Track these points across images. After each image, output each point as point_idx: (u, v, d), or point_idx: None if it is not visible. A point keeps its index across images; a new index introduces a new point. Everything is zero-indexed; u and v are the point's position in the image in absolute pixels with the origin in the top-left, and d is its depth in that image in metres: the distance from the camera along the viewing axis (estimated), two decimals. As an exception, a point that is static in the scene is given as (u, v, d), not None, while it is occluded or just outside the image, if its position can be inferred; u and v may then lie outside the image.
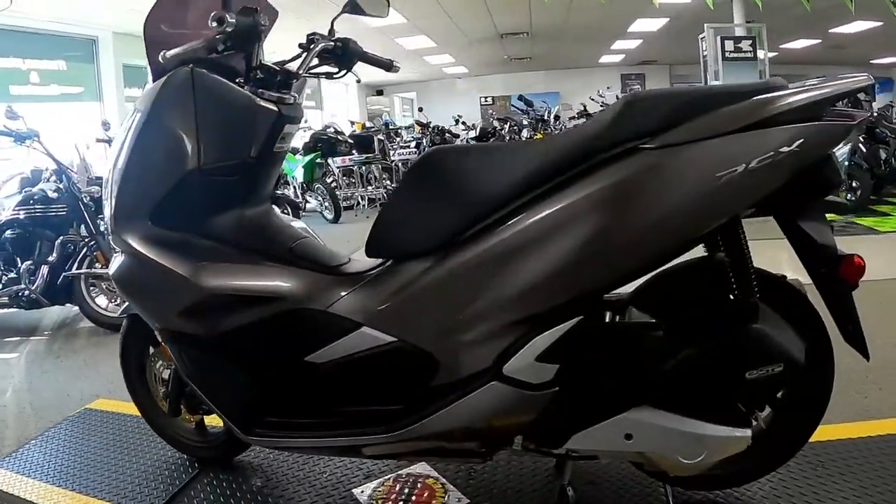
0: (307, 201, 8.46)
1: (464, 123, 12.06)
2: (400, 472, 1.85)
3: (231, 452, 1.98)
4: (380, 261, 1.50)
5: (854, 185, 6.32)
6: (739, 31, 8.99)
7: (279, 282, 1.49)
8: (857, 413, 2.05)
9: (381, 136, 9.57)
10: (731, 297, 1.32)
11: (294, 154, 8.43)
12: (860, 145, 6.54)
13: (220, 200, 1.58)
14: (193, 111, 1.44)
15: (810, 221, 1.26)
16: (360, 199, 8.53)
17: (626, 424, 1.28)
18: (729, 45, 8.84)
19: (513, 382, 1.26)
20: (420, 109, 12.77)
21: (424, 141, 10.03)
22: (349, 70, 1.79)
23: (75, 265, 3.58)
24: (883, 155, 6.85)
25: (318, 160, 8.40)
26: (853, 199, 6.31)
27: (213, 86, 1.46)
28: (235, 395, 1.57)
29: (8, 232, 3.66)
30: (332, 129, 10.02)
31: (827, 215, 1.31)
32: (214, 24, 1.36)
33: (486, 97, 19.18)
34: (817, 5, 8.56)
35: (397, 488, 1.78)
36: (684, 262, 1.41)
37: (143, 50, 1.59)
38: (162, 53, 1.44)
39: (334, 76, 1.82)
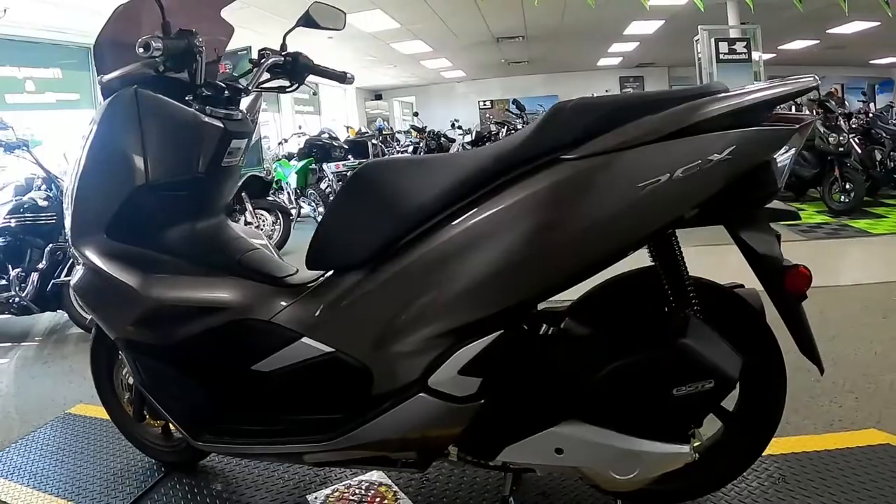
0: (301, 207, 8.47)
1: (460, 128, 12.10)
2: (354, 479, 1.88)
3: (195, 457, 2.02)
4: (320, 273, 1.54)
5: (848, 187, 6.30)
6: (734, 33, 9.01)
7: (224, 293, 1.52)
8: (828, 423, 2.03)
9: (375, 142, 9.57)
10: (666, 309, 1.32)
11: (289, 160, 8.46)
12: (855, 147, 6.55)
13: (172, 215, 1.62)
14: (139, 130, 1.48)
15: (751, 231, 1.23)
16: None
17: (557, 439, 1.27)
18: (723, 46, 8.87)
19: (438, 395, 1.27)
20: (415, 114, 12.79)
21: (421, 145, 10.06)
22: (301, 83, 1.84)
23: (64, 272, 3.64)
24: (879, 156, 6.84)
25: (312, 166, 8.42)
26: (847, 200, 6.30)
27: (157, 105, 1.50)
28: (185, 403, 1.62)
29: (-1, 240, 3.72)
30: (326, 135, 10.02)
31: (799, 219, 1.37)
32: (141, 49, 1.39)
33: (485, 101, 19.22)
34: (813, 6, 8.57)
35: (350, 495, 1.81)
36: (627, 272, 1.41)
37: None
38: (99, 78, 1.50)
39: (286, 90, 1.86)
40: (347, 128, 12.12)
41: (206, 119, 1.51)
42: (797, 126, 1.15)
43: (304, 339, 1.43)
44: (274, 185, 8.29)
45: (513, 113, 8.03)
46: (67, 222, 1.64)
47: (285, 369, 1.46)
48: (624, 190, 1.14)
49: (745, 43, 8.77)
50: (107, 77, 1.49)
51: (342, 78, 1.97)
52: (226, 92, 1.59)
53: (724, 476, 1.50)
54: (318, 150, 8.72)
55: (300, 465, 1.96)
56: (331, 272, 1.50)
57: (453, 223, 1.25)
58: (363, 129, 11.64)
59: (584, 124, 1.17)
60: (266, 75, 1.74)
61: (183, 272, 1.55)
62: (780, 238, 1.30)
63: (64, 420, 2.53)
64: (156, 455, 2.06)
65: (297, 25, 1.76)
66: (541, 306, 1.39)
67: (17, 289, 3.63)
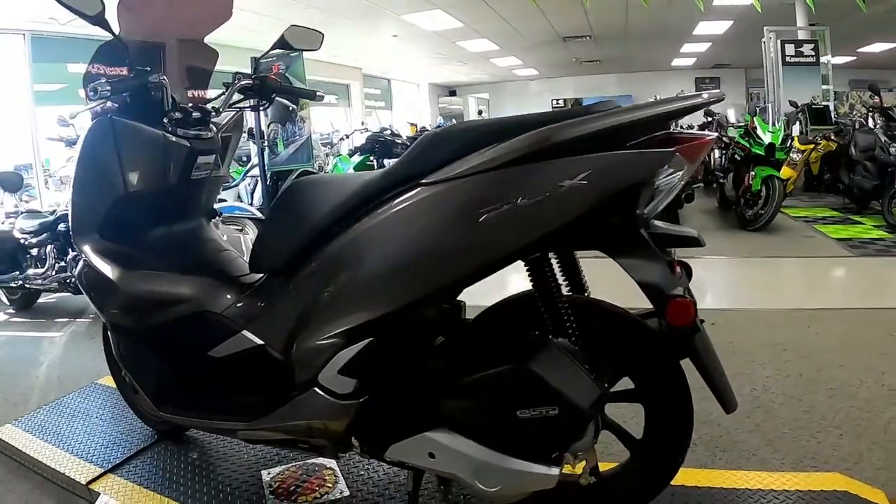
0: None
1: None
2: (305, 461, 2.03)
3: (181, 428, 2.23)
4: (262, 275, 1.69)
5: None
6: (802, 35, 8.49)
7: (187, 289, 1.72)
8: (798, 460, 1.86)
9: None
10: (537, 332, 1.33)
11: (350, 156, 8.67)
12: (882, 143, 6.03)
13: (150, 219, 1.83)
14: (116, 150, 1.69)
15: (628, 257, 1.20)
16: None
17: (429, 443, 1.33)
18: (790, 49, 8.37)
19: (325, 391, 1.39)
20: (479, 113, 12.82)
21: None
22: (270, 102, 2.01)
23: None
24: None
25: (370, 162, 8.60)
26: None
27: (129, 130, 1.70)
28: (153, 378, 1.83)
29: (61, 225, 4.08)
30: (388, 132, 10.18)
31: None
32: (91, 93, 1.60)
33: (558, 99, 18.94)
34: (883, 8, 7.97)
35: (297, 474, 1.96)
36: (520, 293, 1.43)
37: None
38: (59, 117, 1.72)
39: (260, 108, 2.06)
40: (411, 124, 12.26)
41: (174, 139, 1.71)
42: (671, 150, 1.10)
43: (244, 332, 1.60)
44: None
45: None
46: (70, 222, 1.88)
47: (231, 356, 1.65)
48: (464, 216, 1.16)
49: (812, 45, 8.25)
50: (70, 117, 1.69)
51: (311, 96, 2.12)
52: (194, 114, 1.78)
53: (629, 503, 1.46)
54: (379, 147, 8.90)
55: (263, 446, 2.13)
56: (265, 275, 1.65)
57: (338, 239, 1.36)
58: (426, 126, 11.73)
59: (450, 150, 1.20)
60: (239, 95, 1.93)
61: (155, 268, 1.77)
62: (677, 264, 1.27)
63: (91, 388, 2.82)
64: (150, 423, 2.29)
65: (272, 48, 1.95)
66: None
67: (72, 269, 3.97)
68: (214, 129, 1.84)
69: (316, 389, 1.39)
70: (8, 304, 4.66)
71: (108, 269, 1.74)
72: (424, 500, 1.73)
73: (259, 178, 6.28)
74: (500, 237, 1.16)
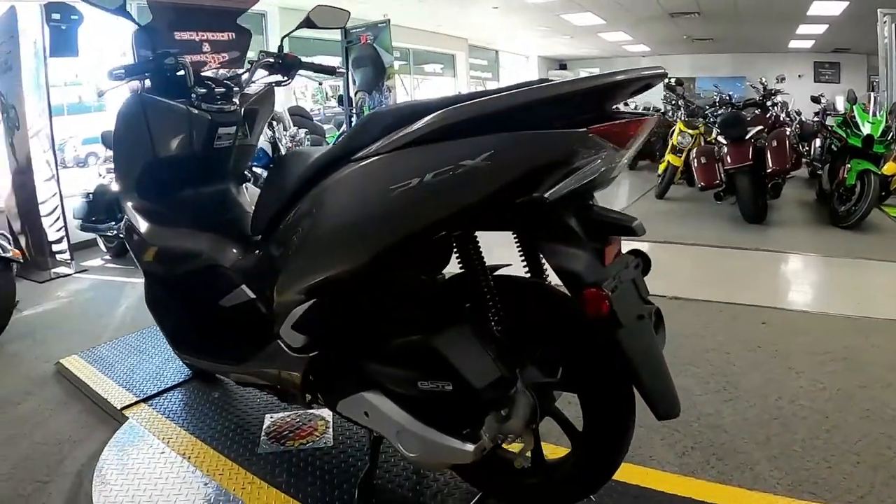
0: None
1: (625, 104, 11.46)
2: (306, 411, 2.10)
3: None
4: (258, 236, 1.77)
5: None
6: (923, 17, 7.37)
7: (203, 244, 1.85)
8: (796, 484, 1.61)
9: None
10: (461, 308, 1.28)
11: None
12: None
13: (179, 181, 1.97)
14: (145, 121, 1.85)
15: (546, 241, 1.13)
16: None
17: (364, 403, 1.36)
18: (904, 32, 7.31)
19: (284, 343, 1.45)
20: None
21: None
22: (292, 78, 2.12)
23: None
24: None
25: None
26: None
27: (155, 104, 1.85)
28: (173, 322, 2.01)
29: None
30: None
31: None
32: (107, 75, 1.75)
33: (670, 78, 17.81)
34: None
35: (294, 421, 2.06)
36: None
37: None
38: (98, 90, 1.93)
39: (282, 83, 2.15)
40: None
41: (196, 112, 1.84)
42: (582, 130, 1.01)
43: (243, 286, 1.72)
44: None
45: (675, 93, 7.49)
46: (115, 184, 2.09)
47: (234, 307, 1.77)
48: (378, 190, 1.16)
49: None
50: (112, 87, 1.86)
51: (332, 72, 2.24)
52: (217, 90, 1.91)
53: (568, 493, 1.38)
54: None
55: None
56: (259, 236, 1.73)
57: (295, 208, 1.40)
58: None
59: (380, 129, 1.20)
60: (264, 72, 2.06)
61: (179, 225, 1.92)
62: (634, 253, 1.20)
63: (149, 330, 3.04)
64: (188, 363, 2.41)
65: (297, 28, 2.03)
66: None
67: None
68: (237, 102, 1.94)
69: (278, 342, 1.47)
70: (105, 251, 5.11)
71: (141, 224, 1.92)
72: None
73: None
74: (410, 212, 1.14)
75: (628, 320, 1.08)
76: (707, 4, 10.46)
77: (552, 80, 1.08)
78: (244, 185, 2.23)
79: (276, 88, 2.15)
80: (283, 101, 7.66)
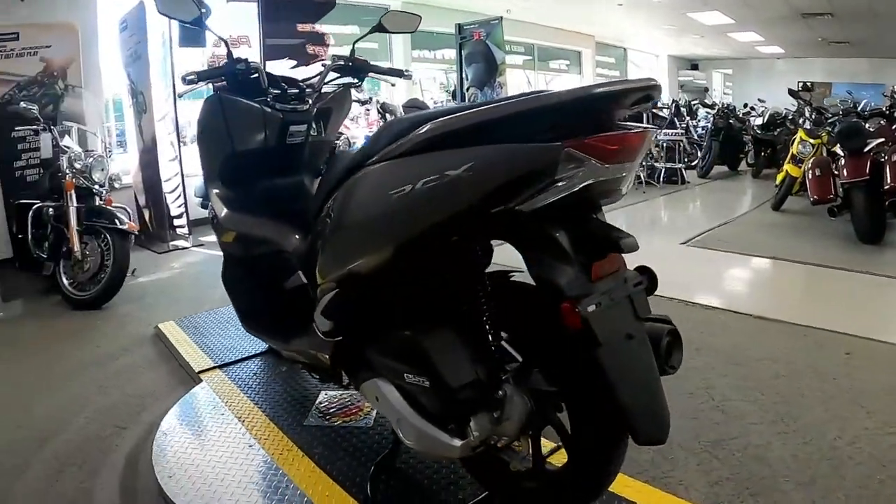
0: None
1: (752, 108, 10.73)
2: (357, 392, 2.17)
3: None
4: None
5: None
6: None
7: (272, 231, 1.98)
8: None
9: (649, 113, 8.90)
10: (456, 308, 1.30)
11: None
12: None
13: (255, 173, 2.14)
14: (224, 118, 2.02)
15: (530, 251, 1.13)
16: None
17: (376, 388, 1.42)
18: None
19: (317, 327, 1.55)
20: (705, 90, 11.63)
21: (706, 123, 9.14)
22: (362, 80, 2.26)
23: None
24: None
25: None
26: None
27: (232, 103, 2.02)
28: (243, 299, 2.18)
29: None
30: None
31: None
32: (181, 80, 1.95)
33: (804, 82, 16.40)
34: None
35: (343, 400, 2.19)
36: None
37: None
38: (180, 91, 2.07)
39: (354, 86, 2.29)
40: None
41: (269, 110, 2.00)
42: (556, 144, 1.01)
43: (299, 272, 1.84)
44: None
45: (802, 99, 6.93)
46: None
47: (292, 289, 1.94)
48: (379, 195, 1.22)
49: None
50: (188, 90, 2.07)
51: (400, 74, 2.30)
52: (290, 91, 2.07)
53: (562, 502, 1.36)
54: None
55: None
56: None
57: (329, 204, 1.47)
58: (668, 99, 10.81)
59: (385, 139, 1.25)
60: (335, 74, 2.19)
61: (253, 212, 2.07)
62: (640, 270, 1.17)
63: None
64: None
65: (369, 33, 2.17)
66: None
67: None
68: (310, 102, 2.08)
69: (314, 324, 1.57)
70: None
71: (221, 209, 2.11)
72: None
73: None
74: (406, 217, 1.18)
75: (611, 339, 1.05)
76: (840, 5, 9.49)
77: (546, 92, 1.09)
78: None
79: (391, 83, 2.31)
80: (402, 93, 7.95)
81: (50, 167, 4.02)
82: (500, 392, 1.21)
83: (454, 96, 8.37)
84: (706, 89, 12.53)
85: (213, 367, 2.53)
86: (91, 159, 3.80)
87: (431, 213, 1.14)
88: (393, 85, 2.49)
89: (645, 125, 1.18)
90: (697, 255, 4.51)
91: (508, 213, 1.06)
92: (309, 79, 2.17)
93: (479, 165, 1.07)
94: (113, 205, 3.85)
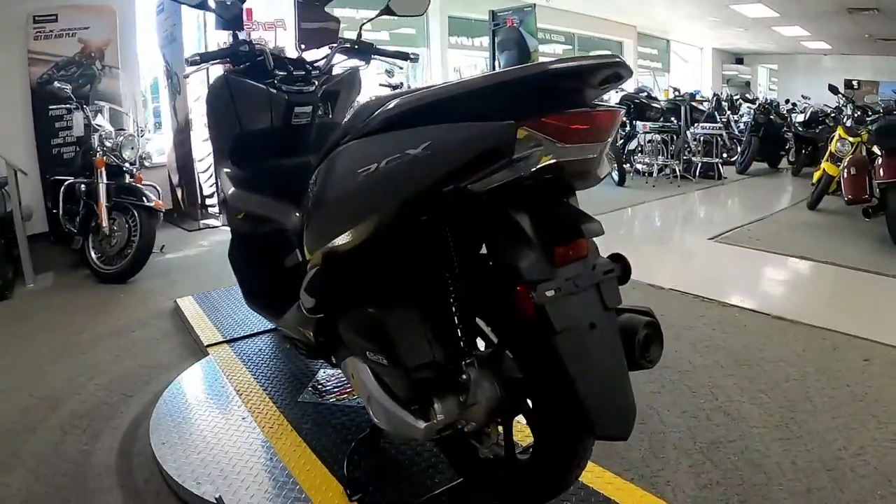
0: None
1: (794, 105, 10.33)
2: None
3: None
4: None
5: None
6: None
7: (275, 210, 1.98)
8: None
9: (686, 106, 8.67)
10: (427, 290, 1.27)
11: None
12: None
13: (263, 153, 2.14)
14: (231, 99, 2.04)
15: (493, 235, 1.09)
16: (656, 167, 7.91)
17: (351, 367, 1.41)
18: None
19: (301, 304, 1.53)
20: (747, 83, 11.21)
21: (748, 118, 8.82)
22: (368, 63, 2.24)
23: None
24: None
25: None
26: None
27: (238, 84, 2.03)
28: (245, 275, 2.21)
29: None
30: (645, 94, 9.51)
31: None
32: (186, 62, 1.95)
33: (850, 80, 15.69)
34: None
35: (341, 378, 2.18)
36: None
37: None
38: (185, 72, 2.16)
39: (361, 68, 2.26)
40: (673, 88, 11.21)
41: (274, 92, 1.99)
42: (507, 122, 0.98)
43: (297, 250, 1.83)
44: None
45: (843, 96, 6.62)
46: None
47: (290, 267, 1.95)
48: (349, 173, 1.21)
49: None
50: (191, 72, 2.11)
51: (405, 57, 2.28)
52: (296, 72, 2.06)
53: (529, 492, 1.31)
54: (634, 107, 8.42)
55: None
56: None
57: (311, 181, 1.47)
58: (695, 91, 10.49)
59: (361, 119, 1.24)
60: (343, 56, 2.18)
61: (257, 191, 2.07)
62: (614, 258, 1.12)
63: None
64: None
65: (376, 16, 2.12)
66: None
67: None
68: (316, 84, 2.08)
69: (300, 301, 1.56)
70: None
71: (228, 187, 2.12)
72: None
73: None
74: (373, 196, 1.17)
75: (570, 327, 1.01)
76: (887, 1, 8.99)
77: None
78: None
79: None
80: (439, 80, 7.88)
81: (84, 145, 4.12)
82: (464, 376, 1.17)
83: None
84: (747, 83, 12.07)
85: (221, 342, 2.57)
86: (121, 138, 3.89)
87: (396, 191, 1.11)
88: (401, 68, 2.46)
89: (611, 105, 1.11)
90: (723, 251, 4.36)
91: (459, 193, 1.02)
92: (316, 61, 2.16)
93: (437, 144, 1.05)
94: (143, 183, 3.94)
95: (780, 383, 2.19)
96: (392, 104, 1.13)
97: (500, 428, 1.32)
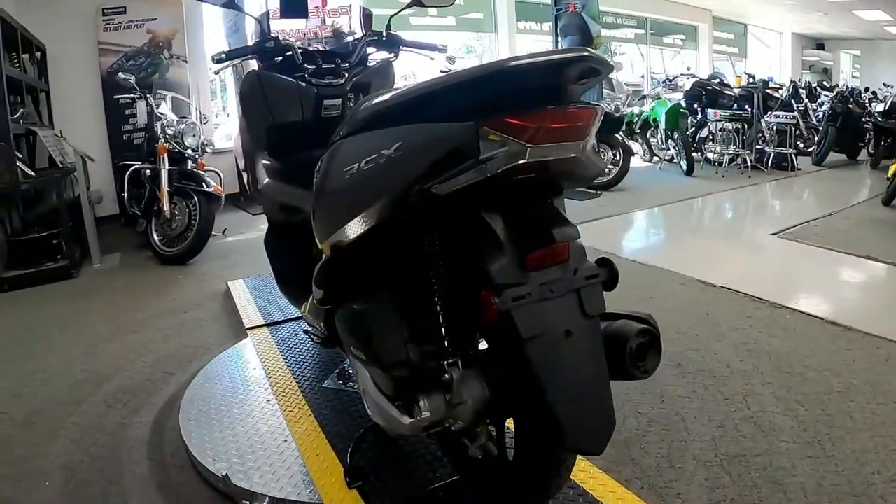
0: (669, 149, 8.04)
1: (874, 93, 9.60)
2: None
3: None
4: None
5: None
6: None
7: (302, 200, 2.02)
8: None
9: (759, 94, 8.17)
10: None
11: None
12: None
13: (295, 145, 2.18)
14: (262, 93, 2.07)
15: (465, 237, 1.07)
16: (727, 157, 7.59)
17: (353, 363, 1.42)
18: None
19: (313, 294, 1.56)
20: (825, 71, 10.48)
21: (827, 106, 8.27)
22: (397, 55, 2.23)
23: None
24: None
25: (683, 109, 7.81)
26: None
27: (269, 78, 2.07)
28: (280, 263, 2.24)
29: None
30: (717, 80, 9.05)
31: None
32: (212, 59, 2.00)
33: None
34: None
35: None
36: None
37: None
38: (212, 68, 2.14)
39: (390, 60, 2.27)
40: (747, 75, 10.59)
41: (303, 85, 2.04)
42: (468, 123, 0.96)
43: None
44: (651, 124, 8.10)
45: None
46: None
47: (315, 257, 1.92)
48: (338, 170, 1.22)
49: None
50: (216, 67, 2.10)
51: (434, 48, 2.26)
52: (324, 66, 2.08)
53: (516, 495, 1.28)
54: (706, 95, 8.06)
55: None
56: None
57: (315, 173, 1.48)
58: (753, 80, 9.93)
59: (357, 116, 1.24)
60: (372, 49, 2.19)
61: (288, 182, 2.12)
62: (601, 263, 1.07)
63: None
64: None
65: (405, 7, 2.11)
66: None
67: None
68: (346, 76, 2.10)
69: (312, 292, 1.59)
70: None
71: (263, 177, 2.18)
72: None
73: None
74: (357, 195, 1.16)
75: (540, 334, 0.96)
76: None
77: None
78: None
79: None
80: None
81: (149, 132, 4.32)
82: (447, 375, 1.14)
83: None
84: (825, 70, 11.24)
85: (261, 325, 2.66)
86: (183, 126, 4.06)
87: (376, 191, 1.11)
88: (432, 59, 2.40)
89: (587, 102, 1.03)
90: (784, 248, 4.10)
91: (425, 194, 0.99)
92: (346, 54, 2.18)
93: (406, 145, 1.04)
94: (204, 169, 4.10)
95: (821, 395, 2.04)
96: (372, 102, 1.13)
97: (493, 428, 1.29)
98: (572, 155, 0.98)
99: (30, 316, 3.14)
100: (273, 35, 2.06)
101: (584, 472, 1.53)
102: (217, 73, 2.14)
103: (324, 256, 1.44)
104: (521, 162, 0.94)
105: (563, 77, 0.97)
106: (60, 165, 3.94)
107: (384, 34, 2.18)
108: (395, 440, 1.71)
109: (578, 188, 1.09)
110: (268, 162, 2.20)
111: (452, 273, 1.18)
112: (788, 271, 3.65)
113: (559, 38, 7.57)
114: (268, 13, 3.24)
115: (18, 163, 3.61)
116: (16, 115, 3.94)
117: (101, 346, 2.64)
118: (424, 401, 1.17)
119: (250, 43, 2.34)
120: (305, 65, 2.05)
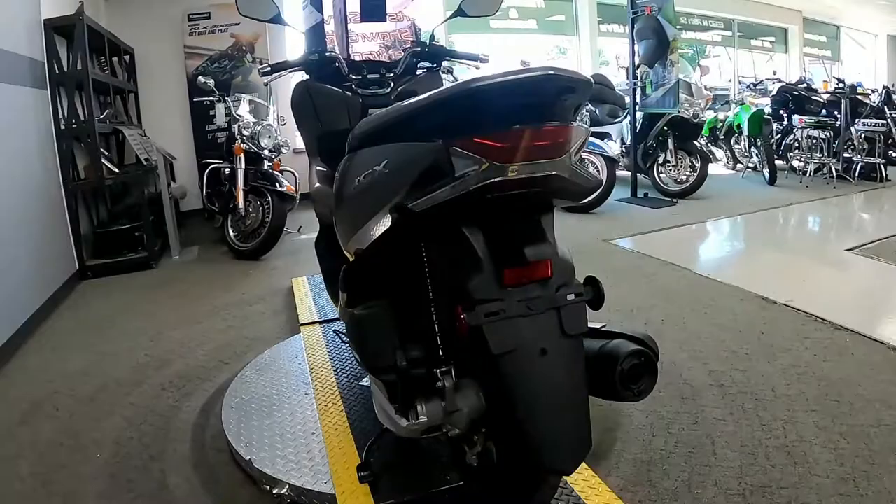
0: (752, 156, 7.67)
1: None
2: None
3: None
4: None
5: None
6: None
7: None
8: None
9: (847, 99, 7.61)
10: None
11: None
12: None
13: (343, 152, 2.23)
14: (311, 102, 2.17)
15: (443, 251, 1.10)
16: (812, 165, 7.14)
17: None
18: None
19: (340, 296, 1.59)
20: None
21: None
22: (439, 66, 2.27)
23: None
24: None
25: (766, 116, 7.40)
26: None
27: (318, 89, 2.15)
28: (325, 262, 2.32)
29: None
30: (805, 85, 8.51)
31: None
32: (260, 73, 2.11)
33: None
34: None
35: None
36: None
37: None
38: (263, 81, 2.28)
39: (433, 70, 2.29)
40: (836, 79, 9.87)
41: (350, 95, 2.12)
42: (436, 142, 0.98)
43: None
44: (735, 130, 7.75)
45: None
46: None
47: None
48: (348, 181, 1.29)
49: None
50: (267, 79, 2.22)
51: (475, 58, 2.28)
52: (370, 76, 2.15)
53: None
54: (792, 100, 7.63)
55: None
56: None
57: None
58: (842, 85, 9.22)
59: (355, 133, 1.32)
60: (415, 60, 2.23)
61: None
62: (587, 282, 1.08)
63: None
64: None
65: (450, 18, 2.20)
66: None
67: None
68: (391, 86, 2.16)
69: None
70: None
71: (315, 181, 2.28)
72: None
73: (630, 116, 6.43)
74: (362, 204, 1.22)
75: (513, 350, 0.97)
76: None
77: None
78: None
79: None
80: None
81: (229, 133, 4.58)
82: (440, 383, 1.16)
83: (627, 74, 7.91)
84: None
85: (314, 322, 2.78)
86: (259, 127, 4.27)
87: (372, 204, 1.16)
88: (477, 68, 2.40)
89: (563, 121, 1.01)
90: (859, 265, 3.80)
91: (402, 210, 1.03)
92: (391, 64, 2.24)
93: (392, 162, 1.09)
94: (280, 169, 4.30)
95: (867, 428, 1.89)
96: (366, 120, 1.21)
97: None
98: (550, 172, 0.98)
99: (108, 302, 3.43)
100: (317, 49, 2.16)
101: (593, 488, 1.52)
102: (266, 84, 2.26)
103: (349, 260, 1.51)
104: (493, 180, 0.95)
105: (534, 95, 0.97)
106: (145, 163, 4.26)
107: (427, 45, 2.23)
108: (414, 441, 1.73)
109: (570, 204, 1.09)
110: (320, 168, 2.29)
111: (443, 284, 1.21)
112: (858, 291, 3.38)
113: (635, 42, 7.33)
114: (322, 23, 3.34)
115: (104, 160, 3.92)
116: (102, 115, 4.26)
117: (167, 334, 2.85)
118: (422, 406, 1.21)
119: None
120: (351, 75, 2.13)
